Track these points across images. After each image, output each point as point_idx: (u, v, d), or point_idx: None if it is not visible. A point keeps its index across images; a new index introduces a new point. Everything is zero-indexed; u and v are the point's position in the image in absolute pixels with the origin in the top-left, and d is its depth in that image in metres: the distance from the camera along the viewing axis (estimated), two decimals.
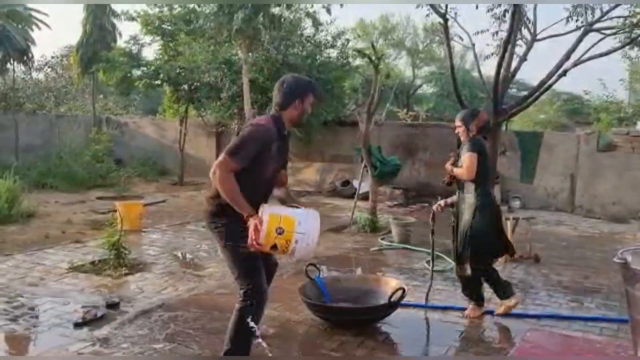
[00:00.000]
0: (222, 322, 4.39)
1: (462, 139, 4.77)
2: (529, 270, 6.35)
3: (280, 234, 3.13)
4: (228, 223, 3.30)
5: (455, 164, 4.74)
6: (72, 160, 12.92)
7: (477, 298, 4.78)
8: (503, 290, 4.74)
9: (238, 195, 3.17)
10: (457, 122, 4.78)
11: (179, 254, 6.62)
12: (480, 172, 4.57)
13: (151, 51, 14.08)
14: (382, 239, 7.82)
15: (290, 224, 3.16)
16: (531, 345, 4.00)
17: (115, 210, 7.76)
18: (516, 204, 11.14)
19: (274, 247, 3.16)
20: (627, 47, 7.29)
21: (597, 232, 9.14)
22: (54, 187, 11.91)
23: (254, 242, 3.09)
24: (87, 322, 4.30)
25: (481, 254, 4.62)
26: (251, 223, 3.10)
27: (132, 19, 13.46)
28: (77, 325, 4.26)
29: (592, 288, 5.68)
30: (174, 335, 4.17)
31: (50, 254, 6.52)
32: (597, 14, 7.28)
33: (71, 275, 5.68)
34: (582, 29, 7.06)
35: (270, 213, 3.16)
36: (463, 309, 4.84)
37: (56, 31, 44.87)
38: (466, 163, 4.55)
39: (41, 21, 14.57)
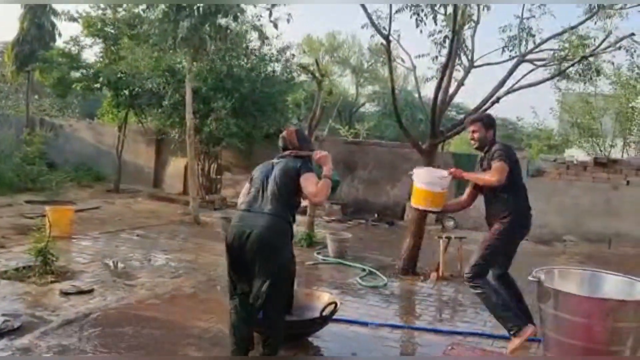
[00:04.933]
0: (148, 333, 4.33)
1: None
2: (458, 288, 6.55)
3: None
4: None
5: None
6: (0, 162, 12.36)
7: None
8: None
9: None
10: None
11: (110, 263, 6.45)
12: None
13: (92, 54, 13.61)
14: (318, 253, 7.88)
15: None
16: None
17: (44, 215, 7.47)
18: (450, 224, 11.45)
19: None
20: (556, 78, 7.70)
21: (525, 254, 9.48)
22: None
23: None
24: (4, 332, 4.11)
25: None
26: None
27: (74, 19, 13.05)
28: None
29: None
30: (99, 345, 4.06)
31: None
32: (530, 45, 7.66)
33: None
34: (515, 59, 7.41)
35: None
36: (396, 326, 4.93)
37: None
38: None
39: None
